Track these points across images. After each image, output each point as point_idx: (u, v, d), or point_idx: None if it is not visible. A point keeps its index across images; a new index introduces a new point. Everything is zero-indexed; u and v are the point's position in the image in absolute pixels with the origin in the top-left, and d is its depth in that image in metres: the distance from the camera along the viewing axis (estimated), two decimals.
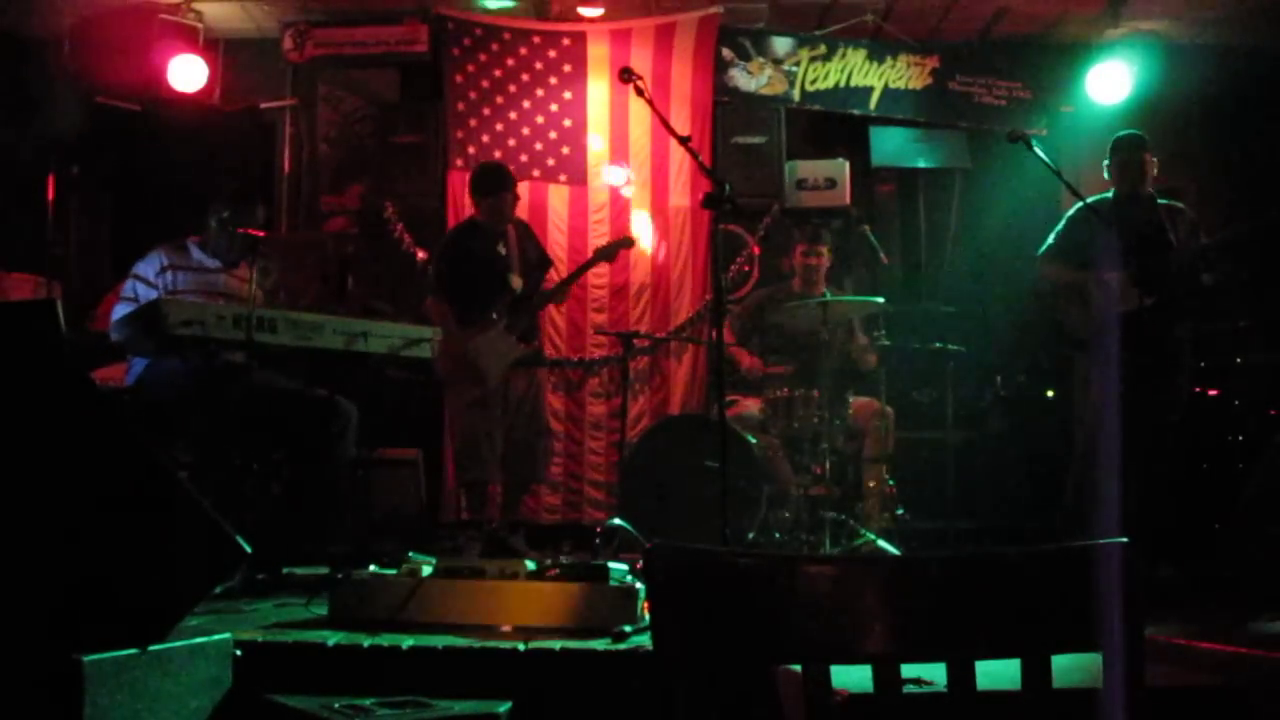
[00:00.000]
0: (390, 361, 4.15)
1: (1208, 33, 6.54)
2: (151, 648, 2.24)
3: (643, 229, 6.33)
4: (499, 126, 6.36)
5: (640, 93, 3.88)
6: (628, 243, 5.50)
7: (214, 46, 6.49)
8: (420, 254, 6.14)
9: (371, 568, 3.42)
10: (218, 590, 3.35)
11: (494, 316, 5.05)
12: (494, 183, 5.13)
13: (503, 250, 5.16)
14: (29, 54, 6.38)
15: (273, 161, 6.64)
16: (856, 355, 5.27)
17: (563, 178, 6.37)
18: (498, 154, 6.27)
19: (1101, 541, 1.11)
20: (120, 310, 4.16)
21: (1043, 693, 1.10)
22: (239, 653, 2.59)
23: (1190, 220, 4.68)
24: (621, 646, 2.87)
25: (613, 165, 6.37)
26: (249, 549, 2.39)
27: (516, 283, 5.17)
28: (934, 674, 1.95)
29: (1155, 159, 4.73)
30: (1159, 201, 4.71)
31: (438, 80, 6.41)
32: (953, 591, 1.11)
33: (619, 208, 6.38)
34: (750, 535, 4.77)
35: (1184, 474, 4.62)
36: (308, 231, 6.53)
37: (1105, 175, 4.77)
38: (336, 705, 2.40)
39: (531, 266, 5.28)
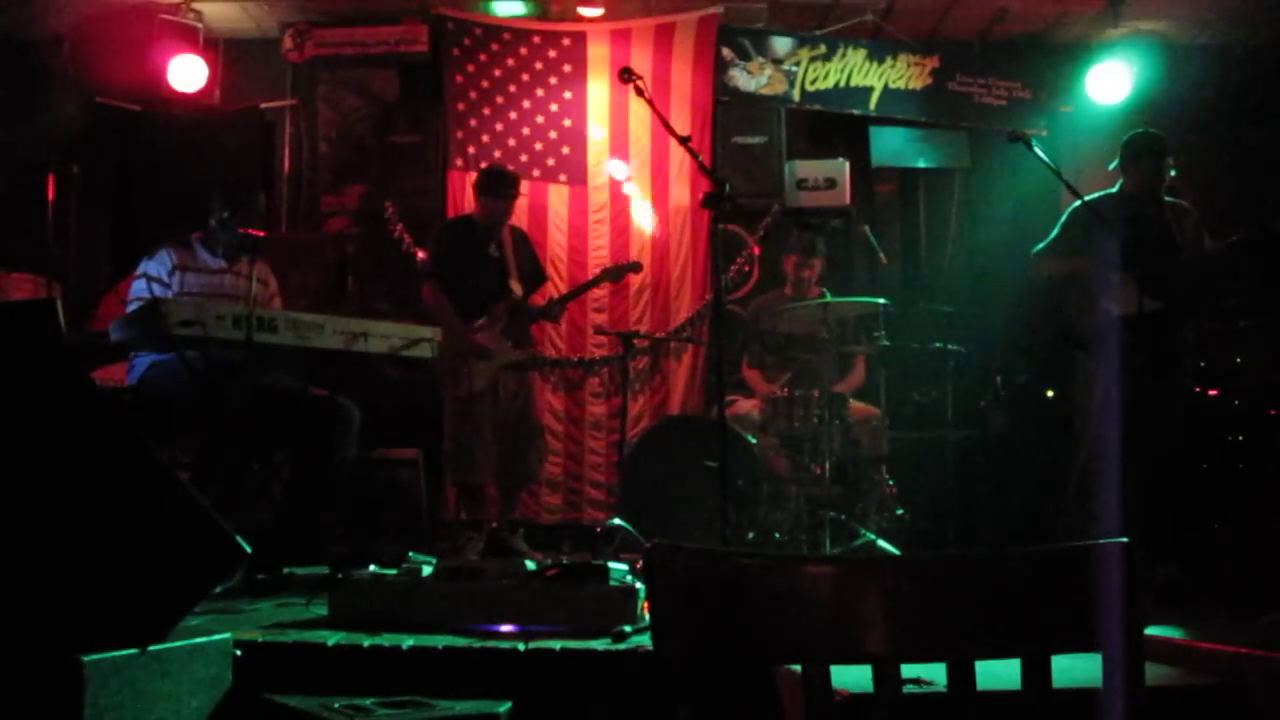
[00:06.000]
0: (390, 361, 4.15)
1: (1208, 33, 6.54)
2: (151, 648, 2.24)
3: (642, 229, 6.34)
4: (499, 126, 6.36)
5: (640, 93, 3.88)
6: (636, 267, 5.56)
7: (214, 46, 6.49)
8: (420, 254, 6.14)
9: (371, 568, 3.41)
10: (218, 590, 3.35)
11: (491, 317, 5.07)
12: (496, 186, 5.19)
13: (494, 252, 5.19)
14: (29, 54, 6.38)
15: (273, 161, 6.64)
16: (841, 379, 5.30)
17: (563, 178, 6.37)
18: (498, 154, 6.28)
19: (1101, 541, 1.11)
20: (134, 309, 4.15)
21: (1043, 693, 1.10)
22: (239, 653, 2.59)
23: (1196, 219, 4.66)
24: (621, 646, 2.86)
25: (613, 159, 6.38)
26: (249, 549, 2.39)
27: (516, 288, 5.20)
28: (934, 674, 1.95)
29: (1171, 161, 4.69)
30: (1167, 200, 4.69)
31: (438, 80, 6.41)
32: (953, 591, 1.11)
33: (619, 207, 6.38)
34: (750, 535, 4.77)
35: (1184, 474, 4.61)
36: (308, 231, 6.53)
37: (1112, 167, 4.73)
38: (336, 705, 2.40)
39: (526, 275, 5.31)
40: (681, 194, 6.35)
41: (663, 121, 4.05)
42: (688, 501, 4.68)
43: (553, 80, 6.40)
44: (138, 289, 4.23)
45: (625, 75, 3.92)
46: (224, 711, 2.45)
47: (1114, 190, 4.67)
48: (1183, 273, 4.49)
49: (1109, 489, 3.97)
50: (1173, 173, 4.65)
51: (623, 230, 6.34)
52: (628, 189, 6.38)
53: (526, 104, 6.38)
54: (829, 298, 5.21)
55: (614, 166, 6.39)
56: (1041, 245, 4.78)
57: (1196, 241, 4.59)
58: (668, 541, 1.09)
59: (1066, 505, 4.54)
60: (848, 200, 6.29)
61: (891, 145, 6.65)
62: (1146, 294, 4.34)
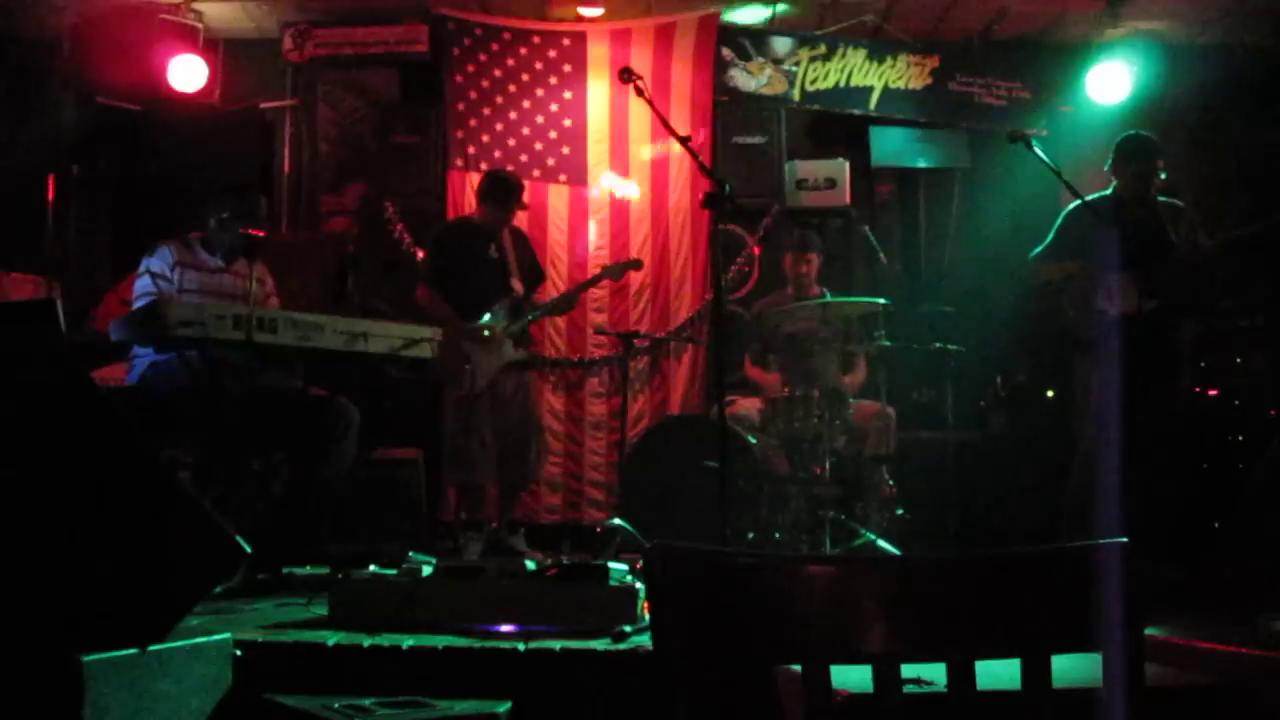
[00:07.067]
0: (390, 361, 4.15)
1: (1208, 33, 6.54)
2: (151, 648, 2.23)
3: (642, 228, 6.35)
4: (499, 126, 6.36)
5: (640, 93, 3.88)
6: (636, 264, 5.57)
7: (214, 46, 6.49)
8: (420, 254, 6.14)
9: (371, 568, 3.41)
10: (218, 590, 3.35)
11: (493, 317, 5.09)
12: (504, 197, 5.19)
13: (494, 253, 5.20)
14: (29, 54, 6.38)
15: (273, 161, 6.64)
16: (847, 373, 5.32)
17: (563, 178, 6.37)
18: (498, 154, 6.28)
19: (1101, 541, 1.11)
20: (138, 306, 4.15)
21: (1043, 693, 1.10)
22: (239, 653, 2.58)
23: (1190, 218, 4.66)
24: (621, 646, 2.86)
25: (613, 159, 6.38)
26: (249, 549, 2.39)
27: (518, 287, 5.21)
28: (934, 674, 1.95)
29: (1162, 163, 4.69)
30: (1159, 199, 4.68)
31: (438, 80, 6.41)
32: (953, 591, 1.11)
33: (619, 207, 6.38)
34: (750, 535, 4.77)
35: (1184, 474, 4.61)
36: (308, 231, 6.53)
37: (1106, 167, 4.73)
38: (336, 705, 2.40)
39: (526, 275, 5.32)
40: (681, 194, 6.35)
41: (663, 121, 4.05)
42: (688, 501, 4.68)
43: (553, 80, 6.40)
44: (142, 285, 4.24)
45: (625, 75, 3.92)
46: (224, 711, 2.45)
47: (1108, 192, 4.68)
48: (1178, 272, 4.49)
49: (1108, 489, 3.97)
50: (1162, 175, 4.64)
51: (623, 230, 6.34)
52: (628, 189, 6.39)
53: (526, 104, 6.38)
54: (829, 298, 5.21)
55: (614, 166, 6.39)
56: (1038, 249, 4.77)
57: (1191, 240, 4.58)
58: (668, 541, 1.09)
59: (1066, 505, 4.53)
60: (848, 200, 6.30)
61: (891, 145, 6.65)
62: (1144, 294, 4.34)
